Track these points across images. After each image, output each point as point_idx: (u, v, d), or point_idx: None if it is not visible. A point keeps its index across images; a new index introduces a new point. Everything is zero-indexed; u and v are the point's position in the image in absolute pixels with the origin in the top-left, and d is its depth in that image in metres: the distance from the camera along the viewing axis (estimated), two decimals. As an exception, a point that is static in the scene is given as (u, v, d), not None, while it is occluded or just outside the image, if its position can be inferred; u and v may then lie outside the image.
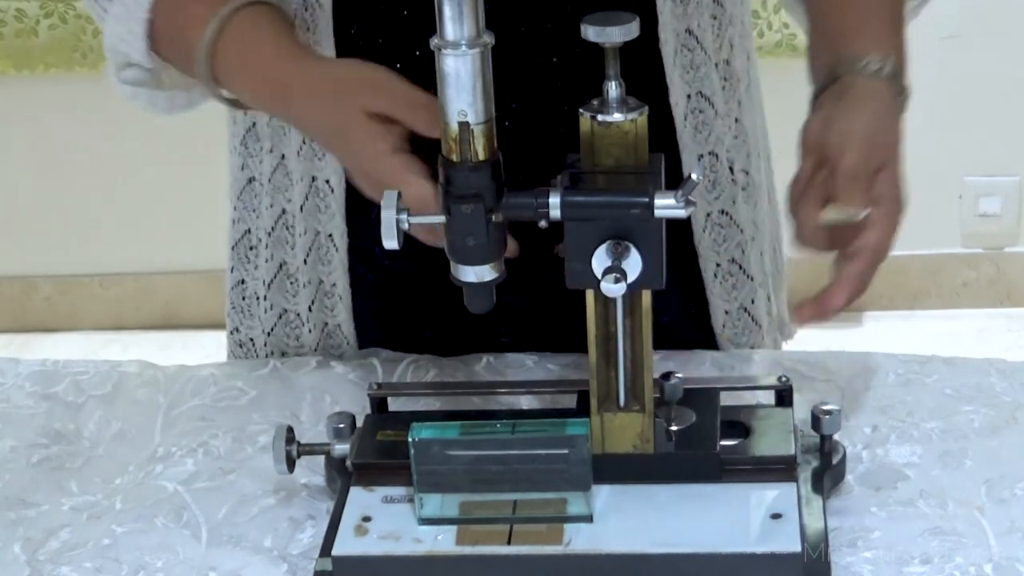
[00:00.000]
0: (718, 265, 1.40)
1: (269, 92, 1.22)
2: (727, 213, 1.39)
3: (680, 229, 1.37)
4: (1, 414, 1.37)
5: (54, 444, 1.33)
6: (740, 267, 1.42)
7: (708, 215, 1.38)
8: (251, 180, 1.44)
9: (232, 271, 1.48)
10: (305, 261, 1.41)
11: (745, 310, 1.43)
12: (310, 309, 1.43)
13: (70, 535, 1.21)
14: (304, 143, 1.36)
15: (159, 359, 1.47)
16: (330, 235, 1.39)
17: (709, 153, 1.36)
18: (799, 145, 1.20)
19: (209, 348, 3.31)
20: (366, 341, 1.45)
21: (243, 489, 1.25)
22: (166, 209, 3.49)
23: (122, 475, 1.28)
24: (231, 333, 1.51)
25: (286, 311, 1.45)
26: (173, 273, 3.59)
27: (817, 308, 1.18)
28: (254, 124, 1.41)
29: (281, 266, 1.44)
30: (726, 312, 1.42)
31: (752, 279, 1.43)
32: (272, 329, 1.46)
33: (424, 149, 1.14)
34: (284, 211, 1.41)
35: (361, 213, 1.37)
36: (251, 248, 1.46)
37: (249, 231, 1.46)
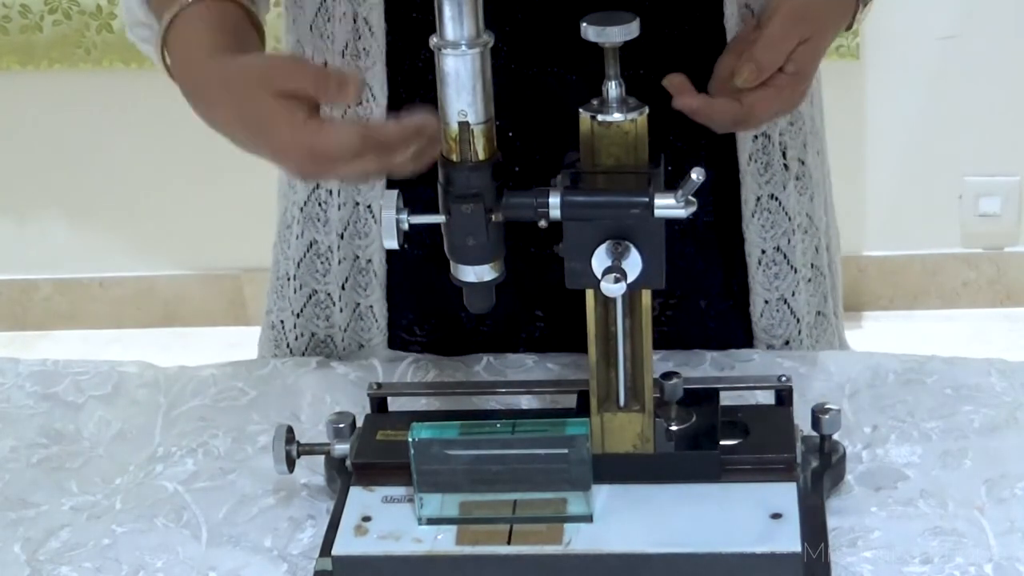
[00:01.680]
0: (763, 252, 1.40)
1: (191, 88, 1.20)
2: (776, 198, 1.39)
3: (729, 212, 1.38)
4: (1, 414, 1.37)
5: (54, 444, 1.33)
6: (785, 256, 1.41)
7: (758, 199, 1.38)
8: None
9: (273, 246, 1.50)
10: (341, 236, 1.41)
11: (785, 302, 1.43)
12: (343, 287, 1.43)
13: (70, 535, 1.21)
14: (348, 108, 1.35)
15: (159, 359, 1.47)
16: (368, 206, 1.39)
17: (762, 135, 1.36)
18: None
19: (209, 348, 3.31)
20: (397, 327, 1.44)
21: (243, 489, 1.25)
22: (167, 208, 3.49)
23: (122, 475, 1.28)
24: (266, 314, 1.52)
25: (316, 292, 1.45)
26: (173, 273, 3.59)
27: (680, 90, 1.21)
28: None
29: (311, 245, 1.43)
30: (765, 302, 1.42)
31: (796, 271, 1.42)
32: (301, 310, 1.46)
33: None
34: (318, 185, 1.41)
35: (403, 182, 1.36)
36: (287, 227, 1.46)
37: (286, 210, 1.46)
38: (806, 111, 1.39)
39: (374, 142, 1.11)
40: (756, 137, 1.36)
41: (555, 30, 1.30)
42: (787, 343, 1.44)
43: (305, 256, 1.44)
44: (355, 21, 1.32)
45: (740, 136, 1.35)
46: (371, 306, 1.43)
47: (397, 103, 1.35)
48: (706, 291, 1.42)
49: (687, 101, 1.20)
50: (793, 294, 1.43)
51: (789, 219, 1.40)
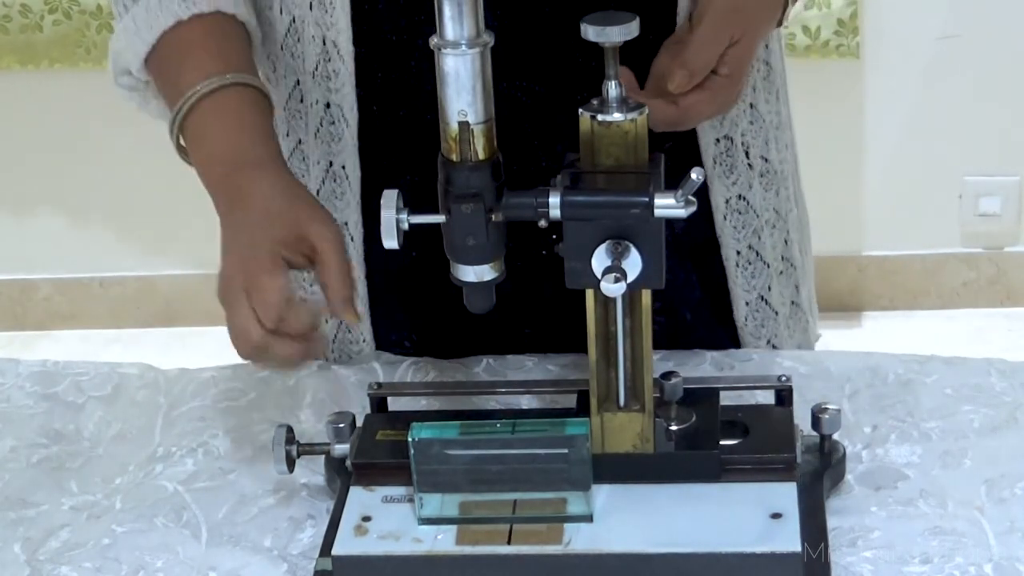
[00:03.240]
0: (738, 253, 1.40)
1: (216, 182, 1.24)
2: (744, 198, 1.39)
3: (700, 217, 1.37)
4: (1, 414, 1.37)
5: (54, 444, 1.33)
6: (757, 253, 1.41)
7: (727, 201, 1.38)
8: None
9: None
10: None
11: (763, 299, 1.43)
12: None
13: (70, 535, 1.21)
14: (321, 126, 1.36)
15: (159, 359, 1.47)
16: (346, 223, 1.39)
17: (724, 137, 1.36)
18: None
19: (209, 348, 3.30)
20: (385, 342, 1.44)
21: (243, 489, 1.25)
22: (167, 208, 3.49)
23: (122, 475, 1.28)
24: None
25: (304, 300, 1.44)
26: (173, 273, 3.59)
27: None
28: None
29: None
30: (746, 303, 1.42)
31: (768, 266, 1.42)
32: None
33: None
34: None
35: (402, 182, 1.36)
36: None
37: None
38: (765, 108, 1.40)
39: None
40: (719, 140, 1.36)
41: (522, 42, 1.29)
42: (770, 342, 1.44)
43: None
44: (324, 43, 1.32)
45: (703, 140, 1.35)
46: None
47: (369, 123, 1.34)
48: (686, 302, 1.42)
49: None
50: (769, 289, 1.43)
51: (757, 216, 1.41)
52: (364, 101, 1.34)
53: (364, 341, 1.43)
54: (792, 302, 1.47)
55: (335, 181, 1.37)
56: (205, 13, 1.27)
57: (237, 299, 1.17)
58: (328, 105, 1.35)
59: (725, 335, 1.43)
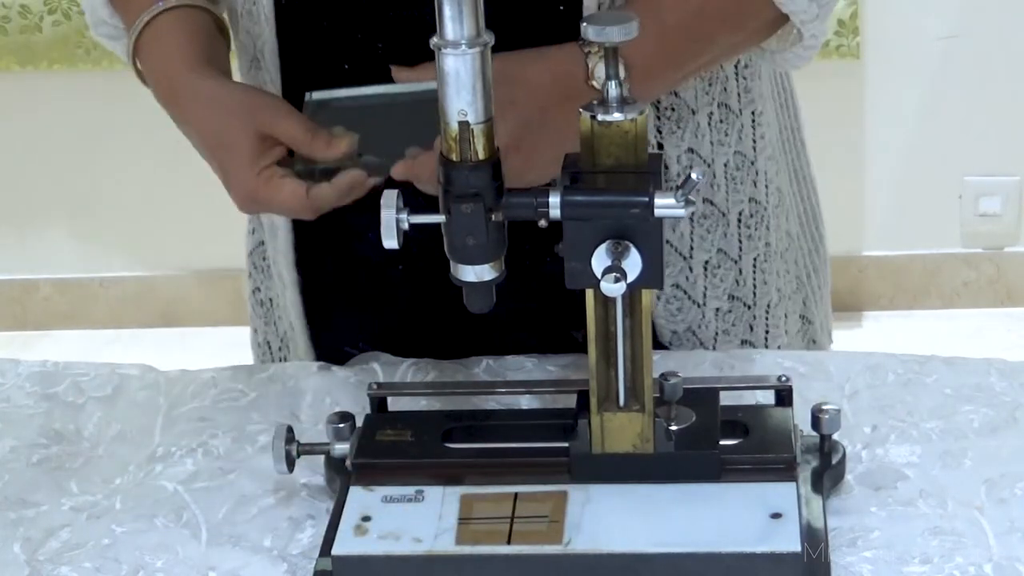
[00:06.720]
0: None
1: (167, 95, 1.28)
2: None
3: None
4: (1, 414, 1.37)
5: (54, 444, 1.33)
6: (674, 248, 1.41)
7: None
8: None
9: (249, 276, 1.51)
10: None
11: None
12: None
13: (70, 535, 1.21)
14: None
15: (159, 359, 1.47)
16: None
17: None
18: None
19: (209, 348, 3.31)
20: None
21: (243, 489, 1.25)
22: (167, 208, 3.49)
23: (122, 475, 1.28)
24: (253, 333, 1.54)
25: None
26: (173, 273, 3.59)
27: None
28: None
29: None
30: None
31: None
32: (286, 333, 1.48)
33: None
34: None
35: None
36: (263, 258, 1.47)
37: (263, 243, 1.47)
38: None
39: (313, 206, 1.19)
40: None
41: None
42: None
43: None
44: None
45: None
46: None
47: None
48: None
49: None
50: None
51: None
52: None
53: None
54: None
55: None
56: None
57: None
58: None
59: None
